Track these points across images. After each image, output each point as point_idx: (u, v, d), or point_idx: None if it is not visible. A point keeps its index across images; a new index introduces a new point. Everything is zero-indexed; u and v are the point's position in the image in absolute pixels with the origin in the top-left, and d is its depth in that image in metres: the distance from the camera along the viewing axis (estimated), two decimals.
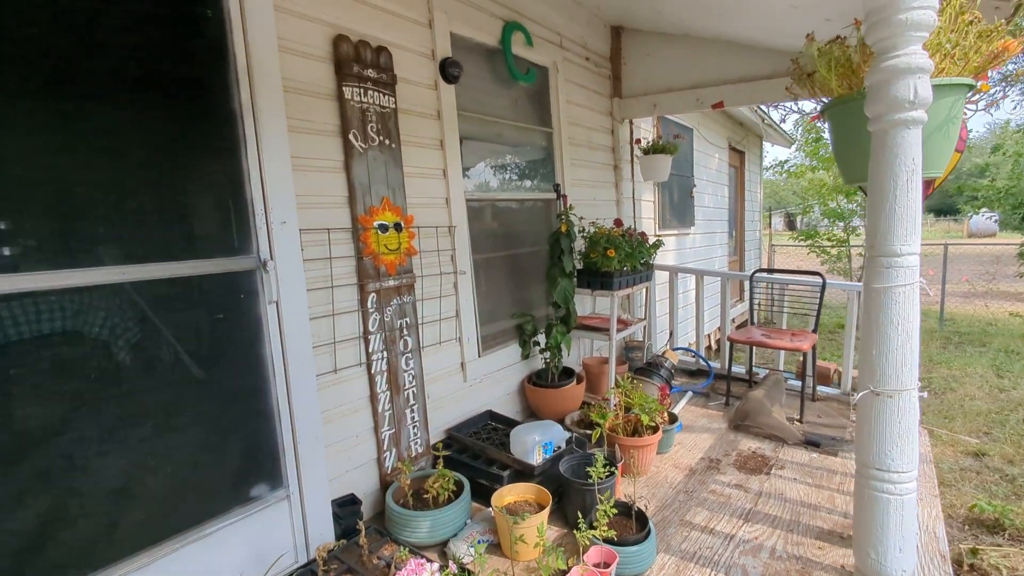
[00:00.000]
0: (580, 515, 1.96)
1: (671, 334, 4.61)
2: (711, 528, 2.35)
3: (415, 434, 2.65)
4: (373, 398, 2.46)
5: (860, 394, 0.93)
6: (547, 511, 2.19)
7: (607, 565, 1.92)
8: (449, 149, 2.84)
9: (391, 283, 2.50)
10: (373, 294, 2.43)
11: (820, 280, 3.64)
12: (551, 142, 3.75)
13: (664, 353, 3.78)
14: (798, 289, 3.95)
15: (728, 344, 3.79)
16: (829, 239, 9.38)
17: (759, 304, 4.05)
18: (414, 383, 2.64)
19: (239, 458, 1.93)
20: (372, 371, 2.45)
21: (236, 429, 1.92)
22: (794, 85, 1.49)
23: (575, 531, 1.95)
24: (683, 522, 2.40)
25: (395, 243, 2.51)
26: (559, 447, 2.64)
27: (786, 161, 9.87)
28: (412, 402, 2.64)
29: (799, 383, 3.94)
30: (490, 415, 3.12)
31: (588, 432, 3.05)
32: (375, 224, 2.41)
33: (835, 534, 2.28)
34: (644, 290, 3.86)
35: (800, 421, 3.43)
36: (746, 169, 8.95)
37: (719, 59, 3.84)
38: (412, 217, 2.59)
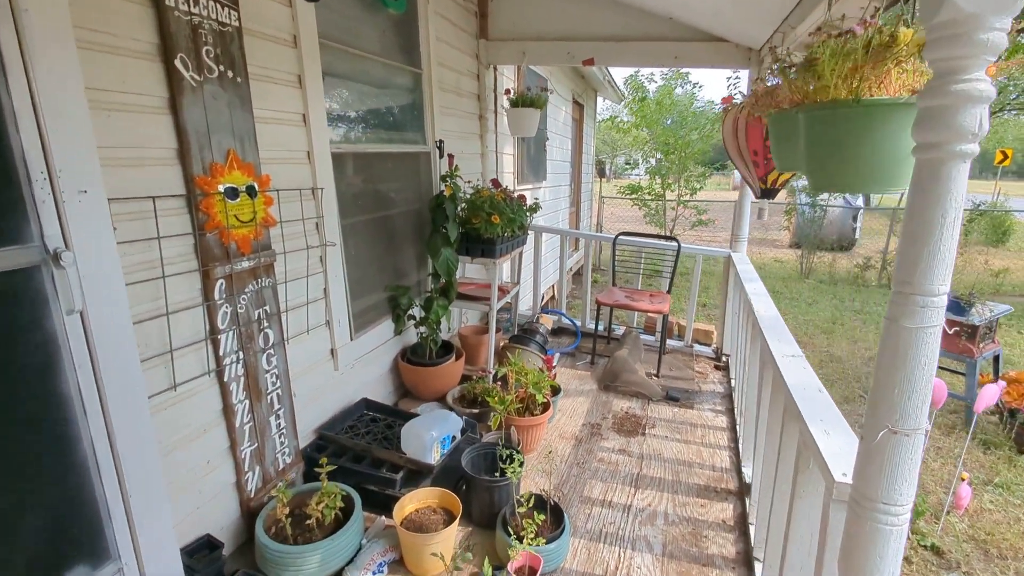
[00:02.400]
0: (491, 512, 1.80)
1: (541, 297, 4.61)
2: (609, 501, 2.40)
3: (282, 443, 2.20)
4: (228, 411, 1.93)
5: (880, 434, 0.88)
6: (458, 519, 1.99)
7: (533, 571, 1.82)
8: (311, 88, 2.25)
9: (245, 264, 1.93)
10: (222, 281, 1.85)
11: (676, 245, 3.90)
12: (421, 85, 3.26)
13: (538, 318, 3.75)
14: (653, 252, 4.20)
15: (596, 306, 3.90)
16: (649, 193, 10.41)
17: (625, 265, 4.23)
18: (278, 383, 2.15)
19: (41, 540, 1.33)
20: (225, 378, 1.91)
21: (31, 501, 1.31)
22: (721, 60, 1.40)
23: (502, 536, 1.79)
24: (583, 499, 2.41)
25: (248, 212, 1.92)
26: (455, 437, 2.43)
27: (615, 117, 10.53)
28: (277, 406, 2.16)
29: (651, 338, 4.28)
30: (366, 404, 2.75)
31: (473, 411, 2.89)
32: (220, 188, 1.80)
33: (710, 489, 2.51)
34: (518, 255, 3.73)
35: (657, 375, 3.72)
36: (584, 123, 9.26)
37: (596, 13, 3.69)
38: (268, 178, 2.01)
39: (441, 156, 2.85)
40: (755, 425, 2.39)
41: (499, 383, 2.90)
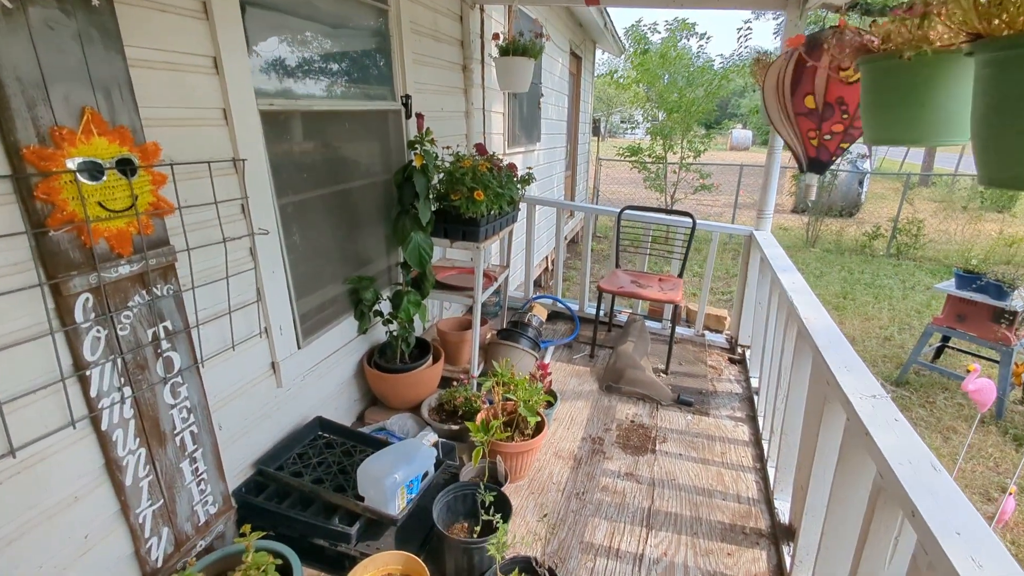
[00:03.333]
0: None
1: (534, 281, 4.09)
2: (616, 549, 1.96)
3: (202, 492, 1.71)
4: (113, 466, 1.43)
5: None
6: None
7: None
8: (223, 20, 1.65)
9: (125, 270, 1.39)
10: (87, 296, 1.32)
11: (690, 221, 3.37)
12: (388, 25, 2.63)
13: (531, 308, 3.24)
14: (663, 229, 3.67)
15: (597, 292, 3.39)
16: (649, 155, 9.75)
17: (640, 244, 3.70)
18: (192, 419, 1.65)
19: None
20: (104, 425, 1.40)
21: None
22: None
23: None
24: (584, 546, 1.97)
25: (124, 197, 1.37)
26: (427, 474, 1.96)
27: (615, 71, 9.73)
28: (192, 447, 1.66)
29: (657, 324, 3.80)
30: (320, 424, 2.26)
31: (452, 427, 2.42)
32: (71, 164, 1.24)
33: (737, 529, 2.08)
34: (508, 234, 3.19)
35: (666, 372, 3.26)
36: (582, 76, 8.52)
37: None
38: (155, 147, 1.44)
39: (408, 116, 2.26)
40: (794, 458, 1.94)
41: (484, 395, 2.42)
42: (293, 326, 2.12)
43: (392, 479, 1.77)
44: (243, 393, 1.92)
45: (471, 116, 3.79)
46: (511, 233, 3.25)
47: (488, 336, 3.23)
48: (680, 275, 3.45)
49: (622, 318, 3.89)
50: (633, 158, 9.69)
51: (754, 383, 3.08)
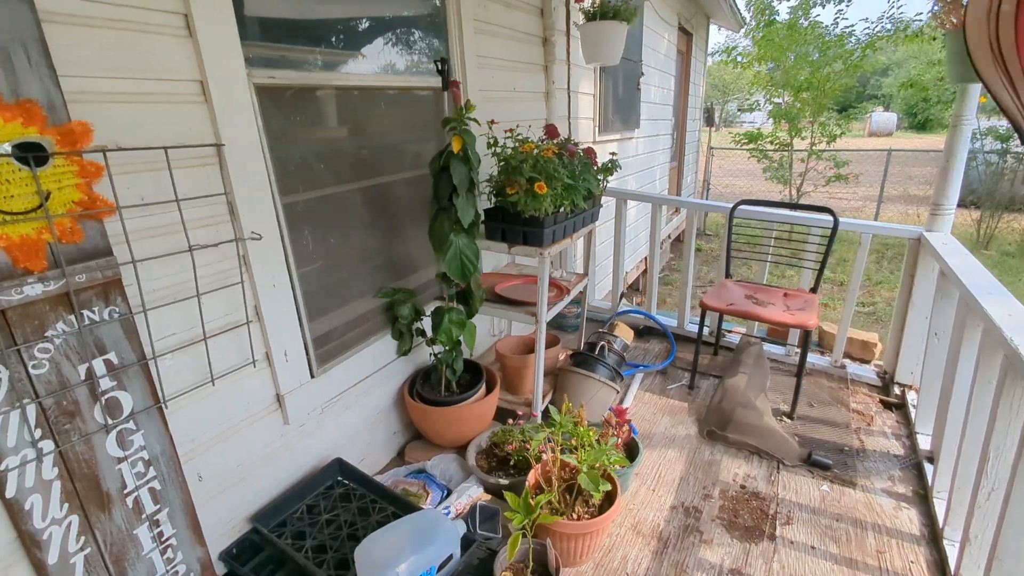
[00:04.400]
0: None
1: (623, 282, 3.47)
2: None
3: (170, 561, 1.37)
4: (28, 542, 1.12)
5: None
6: None
7: None
8: None
9: (34, 290, 1.06)
10: None
11: (831, 219, 2.56)
12: None
13: (613, 327, 2.64)
14: (789, 228, 2.86)
15: (701, 309, 2.70)
16: (772, 141, 8.50)
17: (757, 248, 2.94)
18: (153, 472, 1.31)
19: None
20: (10, 492, 1.08)
21: None
22: None
23: None
24: None
25: (25, 194, 1.03)
26: (451, 558, 1.48)
27: (734, 47, 8.60)
28: (153, 508, 1.32)
29: (779, 350, 3.01)
30: (340, 468, 1.88)
31: (501, 481, 1.92)
32: None
33: None
34: (587, 235, 2.62)
35: (791, 417, 2.50)
36: (692, 56, 7.59)
37: None
38: (84, 128, 1.09)
39: (445, 87, 1.77)
40: None
41: (545, 442, 1.89)
42: (304, 350, 1.74)
43: (394, 573, 1.30)
44: (234, 434, 1.57)
45: (552, 97, 3.26)
46: (592, 234, 2.67)
47: (560, 359, 2.69)
48: (814, 290, 2.65)
49: (733, 338, 3.14)
50: (751, 146, 8.50)
51: (924, 443, 2.23)
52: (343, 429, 1.97)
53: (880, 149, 9.62)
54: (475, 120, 1.75)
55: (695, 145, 8.78)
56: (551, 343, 2.66)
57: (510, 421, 2.15)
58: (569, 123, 3.55)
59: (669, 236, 7.34)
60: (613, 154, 2.43)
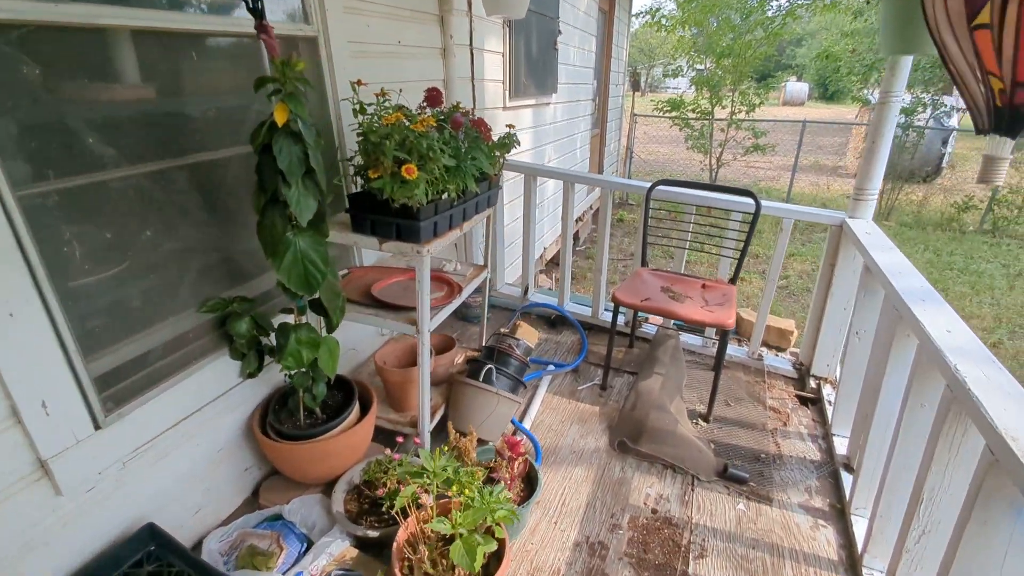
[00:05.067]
0: None
1: (529, 279, 3.14)
2: None
3: None
4: None
5: None
6: None
7: None
8: None
9: None
10: None
11: (752, 202, 2.33)
12: None
13: (516, 328, 2.31)
14: (708, 211, 2.62)
15: (613, 303, 2.42)
16: (693, 110, 8.40)
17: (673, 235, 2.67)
18: None
19: None
20: None
21: None
22: None
23: None
24: None
25: None
26: None
27: (658, 10, 8.30)
28: None
29: (696, 340, 2.82)
30: (151, 535, 1.44)
31: (370, 534, 1.57)
32: None
33: None
34: (485, 220, 2.24)
35: (707, 419, 2.31)
36: (616, 16, 7.23)
37: None
38: None
39: (260, 32, 1.27)
40: None
41: (420, 489, 1.54)
42: (80, 396, 1.27)
43: None
44: None
45: (451, 55, 2.79)
46: (490, 220, 2.29)
47: (457, 362, 2.34)
48: (733, 280, 2.43)
49: (650, 328, 2.92)
50: (674, 114, 8.37)
51: (840, 446, 2.10)
52: (162, 482, 1.53)
53: (794, 120, 9.83)
54: (300, 80, 1.28)
55: (618, 111, 8.54)
56: (445, 347, 2.30)
57: (387, 451, 1.78)
58: (473, 86, 3.11)
59: (592, 207, 7.13)
60: (510, 126, 2.03)
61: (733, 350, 2.79)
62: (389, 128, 1.49)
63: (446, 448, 1.57)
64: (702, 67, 8.43)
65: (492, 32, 3.29)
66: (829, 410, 2.32)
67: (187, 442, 1.59)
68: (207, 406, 1.64)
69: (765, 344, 2.92)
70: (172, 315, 1.51)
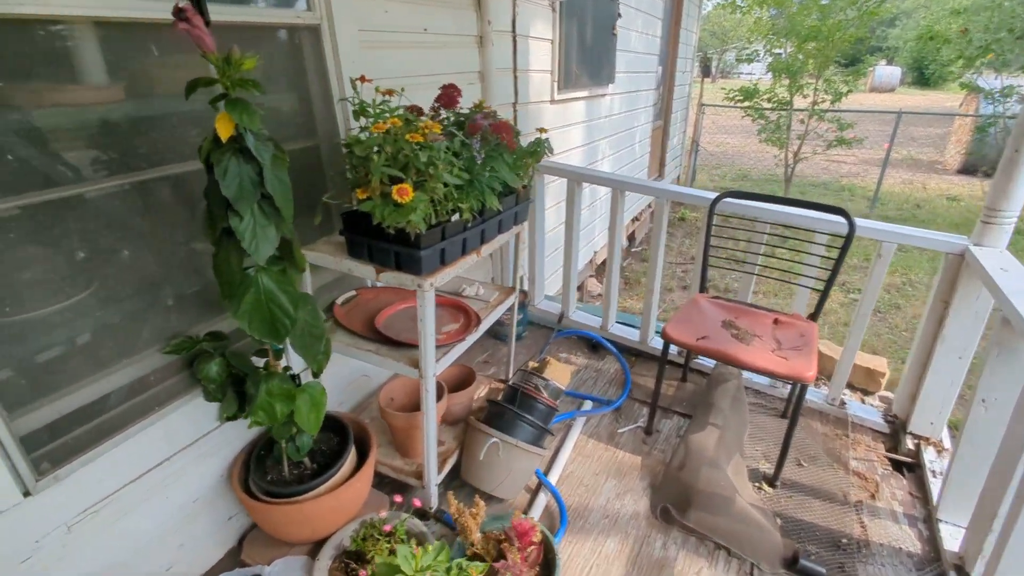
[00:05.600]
0: None
1: (571, 297, 2.80)
2: None
3: None
4: None
5: None
6: None
7: None
8: None
9: None
10: None
11: (844, 222, 1.88)
12: None
13: (544, 365, 1.98)
14: (787, 229, 2.18)
15: (663, 339, 2.04)
16: (769, 99, 7.64)
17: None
18: None
19: None
20: None
21: None
22: None
23: None
24: None
25: None
26: None
27: None
28: None
29: (763, 380, 2.40)
30: None
31: None
32: None
33: None
34: (514, 238, 1.92)
35: (774, 485, 1.91)
36: None
37: None
38: None
39: (178, 18, 0.99)
40: None
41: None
42: (3, 457, 1.08)
43: None
44: None
45: (488, 43, 2.47)
46: (518, 238, 1.97)
47: (478, 398, 2.05)
48: (815, 316, 2.00)
49: (707, 359, 2.52)
50: (746, 103, 7.65)
51: (950, 538, 1.65)
52: (124, 541, 1.34)
53: (887, 111, 8.80)
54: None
55: (684, 101, 7.91)
56: (464, 381, 2.02)
57: (381, 514, 1.52)
58: (515, 78, 2.78)
59: (650, 205, 6.62)
60: (542, 130, 1.70)
61: (809, 393, 2.34)
62: (379, 138, 1.20)
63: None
64: (781, 51, 7.63)
65: (539, 16, 2.94)
66: (933, 484, 1.85)
67: (154, 495, 1.40)
68: (179, 454, 1.43)
69: (849, 385, 2.45)
70: (129, 357, 1.31)
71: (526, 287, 2.97)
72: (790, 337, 1.88)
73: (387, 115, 1.36)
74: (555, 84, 3.24)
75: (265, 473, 1.54)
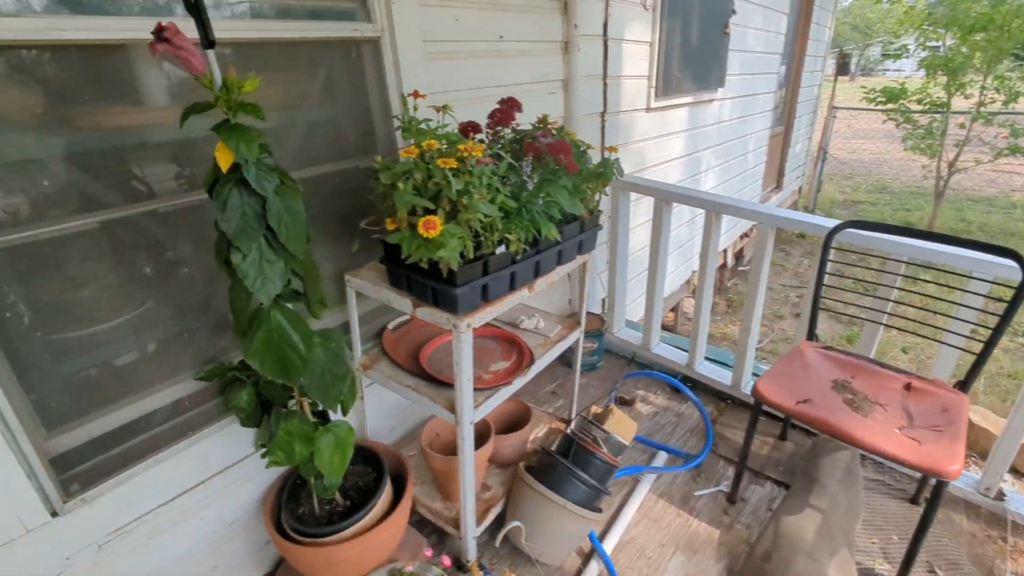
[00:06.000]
0: None
1: (654, 327, 2.52)
2: None
3: None
4: None
5: None
6: None
7: None
8: None
9: None
10: None
11: (1017, 267, 1.44)
12: None
13: (607, 414, 1.73)
14: (925, 267, 1.73)
15: (753, 398, 1.71)
16: (920, 100, 6.55)
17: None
18: None
19: None
20: None
21: None
22: None
23: None
24: None
25: None
26: None
27: None
28: None
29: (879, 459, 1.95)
30: None
31: None
32: None
33: None
34: (581, 267, 1.70)
35: None
36: None
37: None
38: None
39: (158, 38, 0.88)
40: None
41: None
42: (29, 477, 1.09)
43: None
44: None
45: (574, 49, 2.28)
46: (585, 266, 1.74)
47: (533, 440, 1.87)
48: (964, 386, 1.55)
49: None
50: (890, 106, 6.64)
51: None
52: (154, 562, 1.33)
53: None
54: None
55: (812, 104, 7.07)
56: (518, 420, 1.84)
57: (408, 568, 1.40)
58: (605, 85, 2.56)
59: (747, 237, 5.97)
60: (611, 149, 1.47)
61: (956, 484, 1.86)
62: (410, 164, 1.06)
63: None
64: (938, 44, 6.54)
65: (636, 17, 2.68)
66: None
67: (189, 518, 1.38)
68: (214, 478, 1.41)
69: (1013, 470, 1.92)
70: (163, 381, 1.29)
71: (604, 311, 2.72)
72: (927, 411, 1.48)
73: (428, 135, 1.22)
74: (652, 90, 2.95)
75: (299, 505, 1.47)
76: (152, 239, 1.21)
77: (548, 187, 1.28)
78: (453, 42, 1.77)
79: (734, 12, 3.62)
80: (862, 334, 1.89)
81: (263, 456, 1.21)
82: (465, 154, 1.10)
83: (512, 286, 1.35)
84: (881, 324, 1.79)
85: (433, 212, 1.07)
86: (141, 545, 1.30)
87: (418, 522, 1.70)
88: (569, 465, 1.57)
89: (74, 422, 1.17)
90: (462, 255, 1.17)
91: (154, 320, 1.26)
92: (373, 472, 1.57)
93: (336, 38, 1.46)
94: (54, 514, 1.14)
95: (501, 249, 1.26)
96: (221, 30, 1.12)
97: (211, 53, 0.85)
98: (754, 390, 1.60)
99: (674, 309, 4.61)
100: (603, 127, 2.65)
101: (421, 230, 1.03)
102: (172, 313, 1.28)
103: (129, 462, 1.25)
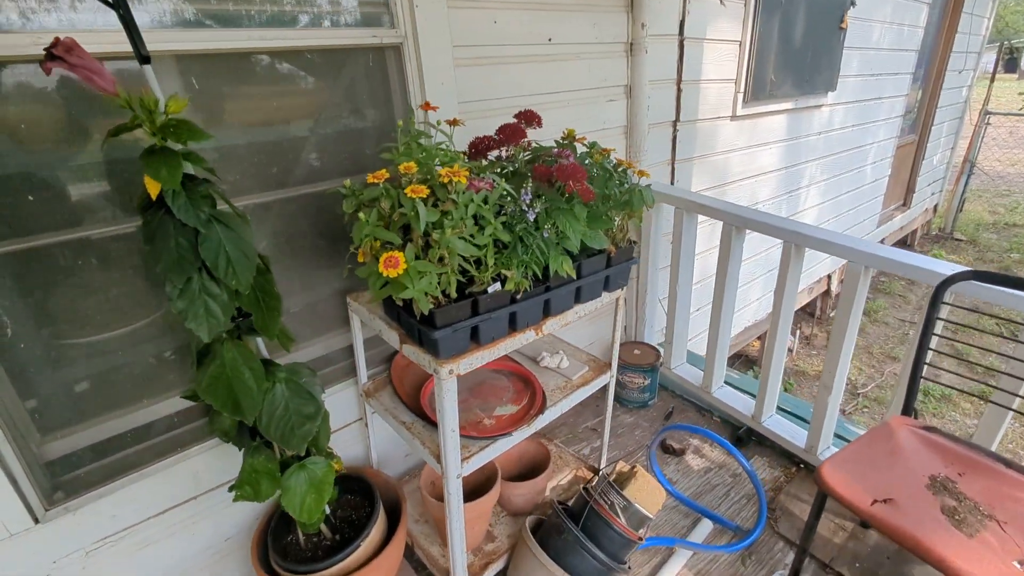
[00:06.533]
0: None
1: (717, 367, 2.21)
2: None
3: None
4: None
5: None
6: None
7: None
8: None
9: None
10: None
11: None
12: None
13: (631, 476, 1.49)
14: None
15: (817, 489, 1.38)
16: None
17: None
18: None
19: None
20: None
21: None
22: None
23: None
24: None
25: None
26: None
27: None
28: None
29: None
30: None
31: None
32: None
33: None
34: (613, 305, 1.48)
35: None
36: None
37: None
38: None
39: (49, 55, 0.77)
40: None
41: None
42: (10, 483, 1.10)
43: None
44: None
45: (640, 51, 2.04)
46: (617, 304, 1.51)
47: (553, 488, 1.67)
48: None
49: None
50: None
51: None
52: (144, 572, 1.33)
53: None
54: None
55: (957, 108, 6.04)
56: (535, 465, 1.66)
57: None
58: (679, 91, 2.29)
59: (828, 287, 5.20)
60: (641, 173, 1.24)
61: None
62: (378, 190, 0.93)
63: None
64: None
65: (721, 13, 2.36)
66: None
67: (181, 532, 1.37)
68: (206, 495, 1.39)
69: None
70: (150, 397, 1.28)
71: (664, 342, 2.44)
72: None
73: (427, 153, 1.08)
74: (739, 96, 2.60)
75: (288, 533, 1.42)
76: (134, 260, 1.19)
77: (557, 216, 1.09)
78: (491, 46, 1.62)
79: (853, 4, 3.12)
80: (981, 418, 1.47)
81: (229, 490, 1.14)
82: (446, 179, 0.94)
83: (513, 327, 1.18)
84: (1011, 409, 1.38)
85: (399, 247, 0.93)
86: (129, 555, 1.30)
87: (418, 562, 1.59)
88: (578, 533, 1.36)
89: (68, 429, 1.18)
90: (445, 293, 1.02)
91: (143, 337, 1.24)
92: (366, 503, 1.48)
93: (350, 46, 1.36)
94: (36, 521, 1.15)
95: (496, 287, 1.09)
96: (161, 41, 1.06)
97: (148, 69, 0.77)
98: (818, 473, 1.29)
99: (761, 337, 4.15)
100: (675, 138, 2.37)
101: (381, 267, 0.89)
102: (158, 332, 1.26)
103: (116, 474, 1.24)
